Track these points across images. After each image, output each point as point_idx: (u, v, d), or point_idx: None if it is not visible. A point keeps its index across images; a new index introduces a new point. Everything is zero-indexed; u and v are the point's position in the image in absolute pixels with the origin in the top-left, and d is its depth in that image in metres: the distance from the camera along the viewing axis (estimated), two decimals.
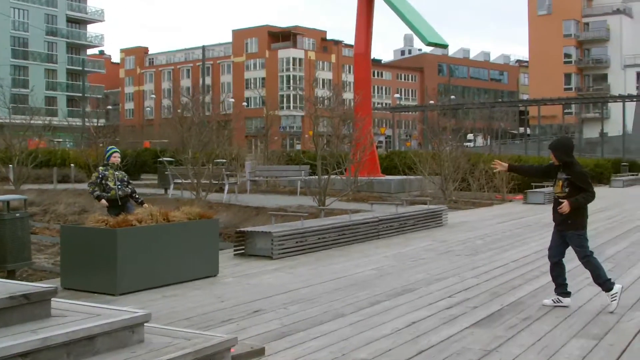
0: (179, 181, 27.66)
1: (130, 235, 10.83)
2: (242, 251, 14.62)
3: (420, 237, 18.10)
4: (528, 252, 15.20)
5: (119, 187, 13.87)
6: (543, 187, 30.50)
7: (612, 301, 9.75)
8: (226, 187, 28.65)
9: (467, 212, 25.93)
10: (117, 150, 14.49)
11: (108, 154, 14.28)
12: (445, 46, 39.37)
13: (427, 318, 9.16)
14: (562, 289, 10.05)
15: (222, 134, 28.57)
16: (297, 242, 14.94)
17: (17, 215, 12.17)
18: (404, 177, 35.13)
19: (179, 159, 26.36)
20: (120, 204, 13.80)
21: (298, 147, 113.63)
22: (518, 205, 28.87)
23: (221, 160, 34.41)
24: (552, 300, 10.05)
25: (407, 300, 10.27)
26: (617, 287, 9.80)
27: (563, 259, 10.16)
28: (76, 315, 6.60)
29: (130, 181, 14.41)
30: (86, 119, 32.11)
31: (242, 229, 14.96)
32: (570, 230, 9.90)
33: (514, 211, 25.97)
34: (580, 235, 9.92)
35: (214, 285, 11.43)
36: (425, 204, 21.87)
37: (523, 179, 31.56)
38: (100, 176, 13.88)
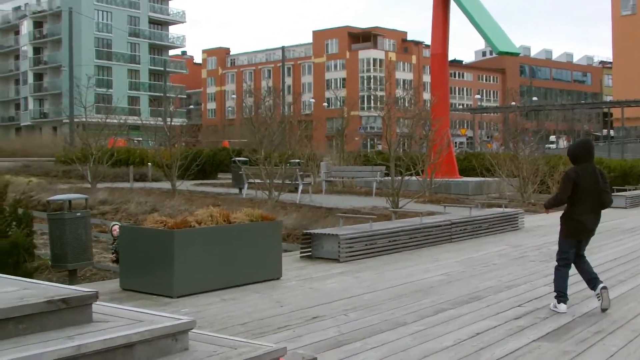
0: (253, 181, 27.42)
1: (188, 236, 10.56)
2: (309, 253, 14.29)
3: (494, 242, 17.58)
4: (604, 260, 14.58)
5: None
6: (625, 190, 29.68)
7: (553, 306, 9.87)
8: (300, 188, 28.34)
9: (545, 216, 25.18)
10: (118, 224, 13.83)
11: (109, 228, 13.95)
12: (517, 54, 38.44)
13: (493, 329, 8.68)
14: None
15: (295, 134, 28.28)
16: (365, 245, 14.55)
17: (78, 214, 12.03)
18: (482, 179, 34.49)
19: (253, 158, 26.16)
20: None
21: (379, 147, 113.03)
22: None
23: (296, 160, 34.21)
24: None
25: (473, 309, 9.81)
26: (562, 308, 9.75)
27: (581, 259, 10.25)
28: (118, 321, 6.30)
29: None
30: (163, 118, 32.20)
31: (308, 231, 14.63)
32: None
33: None
34: (561, 241, 10.10)
35: (275, 289, 11.10)
36: (502, 206, 21.30)
37: (610, 182, 30.73)
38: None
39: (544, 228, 20.88)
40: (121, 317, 6.44)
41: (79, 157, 31.81)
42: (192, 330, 6.42)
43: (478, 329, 8.66)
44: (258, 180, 26.09)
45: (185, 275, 10.43)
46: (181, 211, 19.57)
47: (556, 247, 16.48)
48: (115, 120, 36.70)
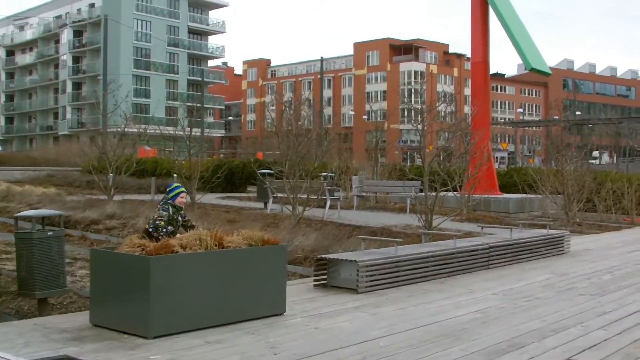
0: (279, 195, 25.66)
1: (169, 264, 8.76)
2: (324, 282, 12.45)
3: (538, 268, 15.62)
4: None
5: (176, 232, 11.05)
6: None
7: None
8: (327, 203, 26.52)
9: (592, 238, 23.23)
10: (184, 189, 11.59)
11: (174, 193, 11.36)
12: (547, 74, 36.54)
13: None
14: None
15: (321, 146, 26.48)
16: (388, 273, 12.66)
17: (50, 234, 10.23)
18: (524, 195, 32.49)
19: (276, 171, 24.37)
20: None
21: (419, 162, 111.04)
22: None
23: (329, 173, 32.46)
24: None
25: None
26: None
27: None
28: None
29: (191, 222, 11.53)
30: (198, 129, 31.08)
31: (323, 256, 12.74)
32: None
33: None
34: None
35: (273, 329, 9.24)
36: (545, 227, 19.25)
37: None
38: (168, 219, 11.37)
39: (593, 252, 18.94)
40: None
41: (95, 167, 30.16)
42: None
43: None
44: (282, 195, 24.27)
45: (164, 312, 8.64)
46: (193, 226, 17.77)
47: (608, 276, 14.63)
48: (149, 130, 35.33)
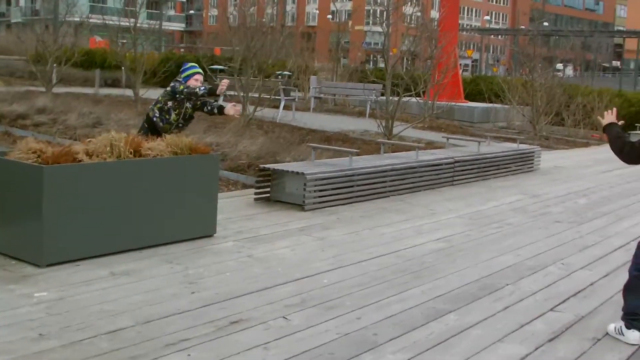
0: (229, 93, 23.89)
1: (68, 176, 7.08)
2: (267, 195, 10.89)
3: (507, 187, 14.15)
4: None
5: (181, 125, 9.67)
6: None
7: (616, 331, 5.97)
8: (282, 103, 24.83)
9: (562, 154, 21.83)
10: (200, 71, 9.86)
11: (187, 73, 9.67)
12: None
13: None
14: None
15: (277, 41, 24.59)
16: (341, 188, 11.10)
17: None
18: (490, 105, 31.00)
19: (228, 67, 22.53)
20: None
21: (382, 65, 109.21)
22: None
23: (286, 72, 30.83)
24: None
25: (485, 314, 6.32)
26: (634, 336, 5.88)
27: None
28: None
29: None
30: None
31: (266, 166, 11.12)
32: None
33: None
34: None
35: (197, 256, 7.63)
36: (515, 141, 17.73)
37: (629, 117, 27.37)
38: (168, 107, 9.58)
39: (564, 170, 17.52)
40: None
41: (33, 57, 28.15)
42: None
43: None
44: (233, 93, 22.50)
45: (60, 235, 6.98)
46: (128, 127, 16.05)
47: (584, 200, 13.19)
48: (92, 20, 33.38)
